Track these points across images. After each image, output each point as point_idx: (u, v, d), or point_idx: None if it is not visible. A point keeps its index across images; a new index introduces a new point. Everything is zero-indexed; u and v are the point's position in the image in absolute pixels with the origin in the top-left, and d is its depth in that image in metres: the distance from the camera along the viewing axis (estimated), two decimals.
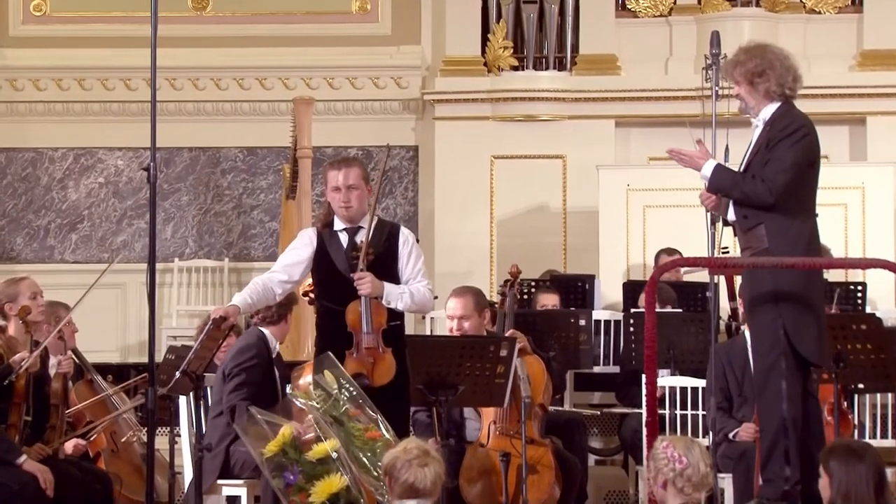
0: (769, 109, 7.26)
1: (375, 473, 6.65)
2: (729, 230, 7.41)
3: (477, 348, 7.62)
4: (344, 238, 7.38)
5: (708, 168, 7.22)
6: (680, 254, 10.65)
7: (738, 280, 7.99)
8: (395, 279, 7.30)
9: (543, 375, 8.12)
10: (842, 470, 5.40)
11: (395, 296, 7.25)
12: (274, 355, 8.29)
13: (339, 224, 7.39)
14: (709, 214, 7.73)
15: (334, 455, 6.75)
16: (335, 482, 6.58)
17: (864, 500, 5.29)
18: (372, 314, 7.19)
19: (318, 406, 6.93)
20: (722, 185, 7.19)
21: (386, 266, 7.30)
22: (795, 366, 7.05)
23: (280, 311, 8.26)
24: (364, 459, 6.77)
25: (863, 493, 5.31)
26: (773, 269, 6.97)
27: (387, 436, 6.80)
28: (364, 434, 6.87)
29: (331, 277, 7.36)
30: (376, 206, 7.55)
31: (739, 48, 7.44)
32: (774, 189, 7.07)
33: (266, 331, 8.26)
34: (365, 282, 7.16)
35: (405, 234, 7.53)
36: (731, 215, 7.27)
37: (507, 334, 8.12)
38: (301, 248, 7.42)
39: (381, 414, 6.92)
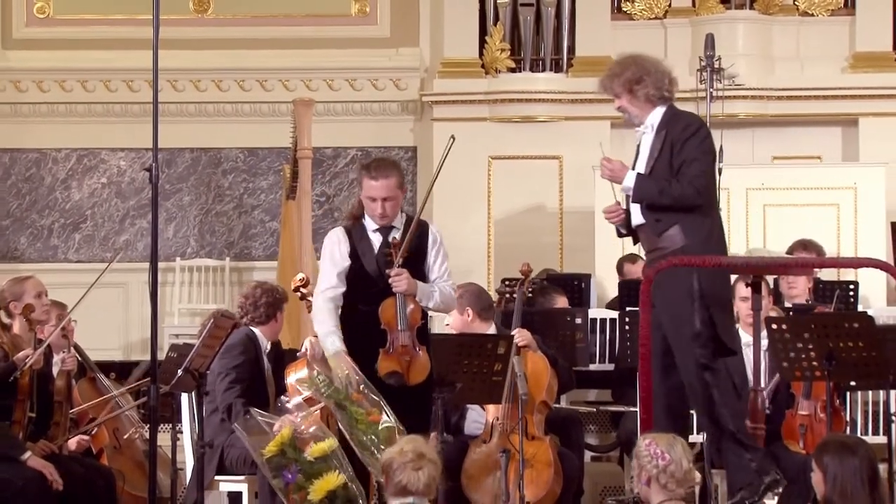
0: (655, 114, 7.37)
1: (377, 455, 6.67)
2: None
3: (475, 346, 7.62)
4: (376, 239, 7.30)
5: (630, 179, 7.28)
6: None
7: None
8: (422, 276, 7.28)
9: (547, 373, 8.12)
10: (836, 465, 5.41)
11: (427, 294, 7.23)
12: (266, 352, 8.31)
13: (370, 224, 7.33)
14: None
15: (331, 453, 6.78)
16: (333, 480, 6.59)
17: (857, 494, 5.31)
18: (407, 312, 7.18)
19: (322, 391, 6.95)
20: (647, 194, 7.25)
21: (416, 264, 7.28)
22: (712, 356, 7.15)
23: (267, 310, 8.30)
24: (367, 441, 6.80)
25: (857, 487, 5.33)
26: (768, 270, 6.99)
27: (388, 419, 6.82)
28: (367, 418, 6.89)
29: (361, 278, 7.30)
30: (425, 204, 7.50)
31: (610, 65, 7.56)
32: (701, 188, 7.22)
33: (256, 330, 8.29)
34: (402, 279, 7.12)
35: (434, 232, 7.48)
36: (638, 220, 7.33)
37: (514, 332, 8.10)
38: (342, 257, 7.30)
39: (411, 411, 6.94)
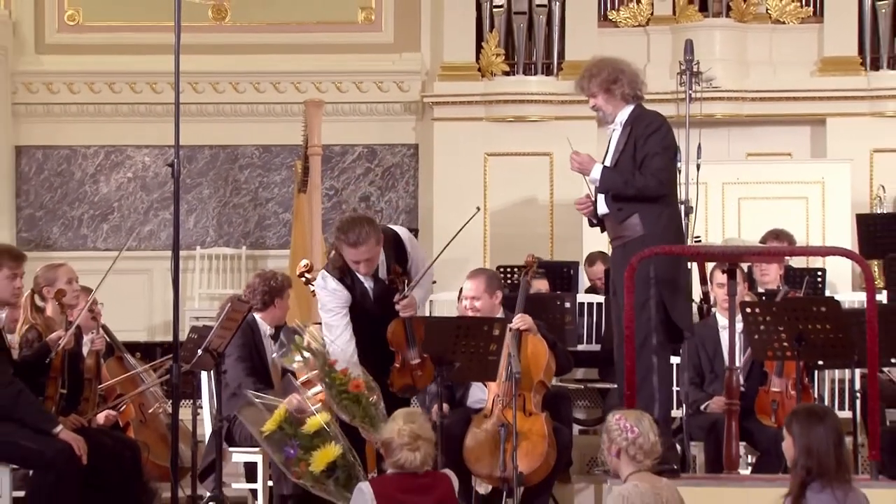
0: (625, 112, 7.36)
1: (362, 417, 6.69)
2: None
3: (472, 328, 7.63)
4: (368, 283, 7.41)
5: (596, 171, 7.28)
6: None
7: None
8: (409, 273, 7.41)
9: (545, 356, 8.08)
10: (804, 431, 5.42)
11: (422, 299, 7.40)
12: (269, 335, 8.32)
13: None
14: (682, 206, 7.78)
15: (327, 427, 6.78)
16: (332, 451, 6.57)
17: (824, 456, 5.32)
18: (415, 332, 7.25)
19: (306, 356, 6.98)
20: (613, 185, 7.25)
21: (404, 268, 7.42)
22: (666, 341, 7.13)
23: (264, 298, 8.33)
24: (353, 407, 6.81)
25: (824, 450, 5.34)
26: (745, 259, 6.97)
27: (370, 383, 6.87)
28: (349, 383, 6.91)
29: (362, 316, 7.38)
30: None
31: (586, 66, 7.52)
32: (664, 180, 7.22)
33: (256, 315, 8.29)
34: (410, 308, 7.24)
35: (404, 235, 7.56)
36: (603, 209, 7.34)
37: (516, 317, 8.10)
38: (344, 306, 7.39)
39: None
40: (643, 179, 7.16)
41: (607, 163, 7.34)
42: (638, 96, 7.38)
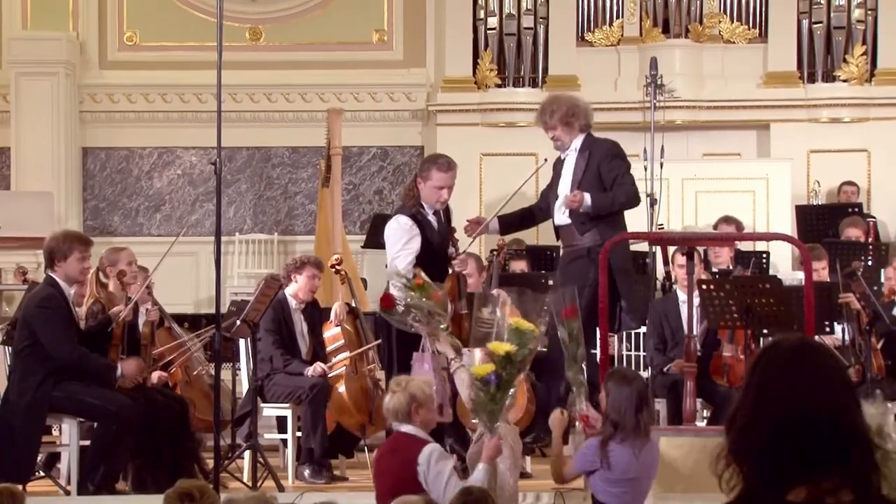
0: (578, 140, 7.43)
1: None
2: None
3: (472, 302, 7.60)
4: (434, 220, 7.31)
5: (589, 200, 7.31)
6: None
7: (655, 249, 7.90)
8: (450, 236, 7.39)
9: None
10: (615, 390, 5.57)
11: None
12: (298, 309, 8.28)
13: (428, 208, 7.29)
14: (648, 198, 7.76)
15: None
16: None
17: (627, 412, 5.50)
18: (465, 286, 7.25)
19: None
20: (603, 206, 7.33)
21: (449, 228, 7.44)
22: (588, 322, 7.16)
23: (286, 272, 8.33)
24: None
25: (627, 407, 5.51)
26: (700, 244, 6.92)
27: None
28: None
29: (429, 250, 7.28)
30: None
31: (545, 104, 7.58)
32: (637, 193, 7.36)
33: (286, 293, 8.26)
34: (465, 264, 7.22)
35: (450, 206, 7.56)
36: (562, 221, 7.41)
37: (493, 292, 8.08)
38: (413, 242, 7.17)
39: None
40: (623, 196, 7.21)
41: (566, 183, 7.41)
42: (590, 126, 7.44)
